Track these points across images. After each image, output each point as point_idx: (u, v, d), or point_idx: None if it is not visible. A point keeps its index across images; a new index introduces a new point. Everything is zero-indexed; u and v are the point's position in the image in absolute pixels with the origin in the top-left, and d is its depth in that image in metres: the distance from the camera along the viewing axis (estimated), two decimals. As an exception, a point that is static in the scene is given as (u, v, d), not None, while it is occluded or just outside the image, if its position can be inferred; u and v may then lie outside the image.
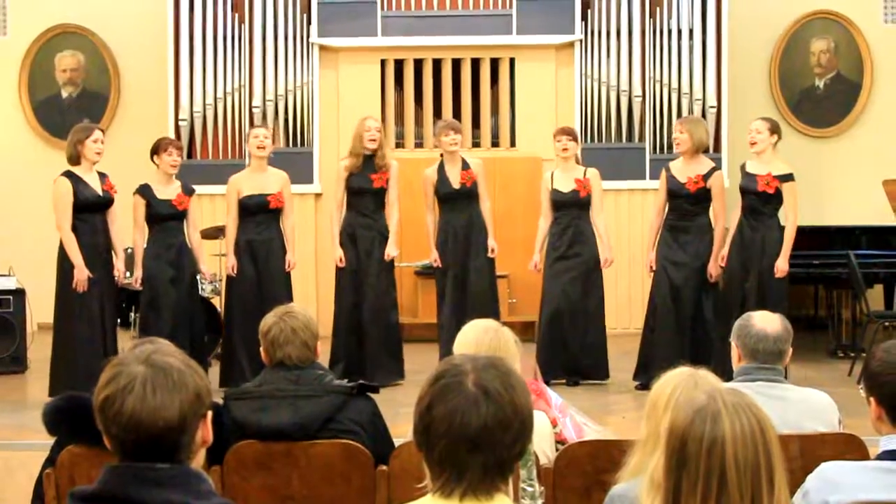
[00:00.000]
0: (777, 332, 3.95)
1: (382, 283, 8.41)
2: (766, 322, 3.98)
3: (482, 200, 8.62)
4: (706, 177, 8.09)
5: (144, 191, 8.12)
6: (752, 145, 7.94)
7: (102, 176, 7.91)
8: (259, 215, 8.27)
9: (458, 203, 8.59)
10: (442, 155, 8.71)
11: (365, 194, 8.37)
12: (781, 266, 7.85)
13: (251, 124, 10.72)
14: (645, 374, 7.97)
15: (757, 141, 7.89)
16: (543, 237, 8.54)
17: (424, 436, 2.09)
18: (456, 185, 8.56)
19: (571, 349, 8.34)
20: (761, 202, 7.91)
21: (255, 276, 8.23)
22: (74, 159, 7.78)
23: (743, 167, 8.07)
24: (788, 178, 7.89)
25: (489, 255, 8.58)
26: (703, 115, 10.76)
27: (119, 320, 8.85)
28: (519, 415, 2.08)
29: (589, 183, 8.39)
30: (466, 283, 8.59)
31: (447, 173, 8.59)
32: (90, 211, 7.77)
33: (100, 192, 7.80)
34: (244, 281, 8.23)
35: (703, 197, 8.12)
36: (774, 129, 7.95)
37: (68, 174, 7.76)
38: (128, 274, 8.29)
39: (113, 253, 7.90)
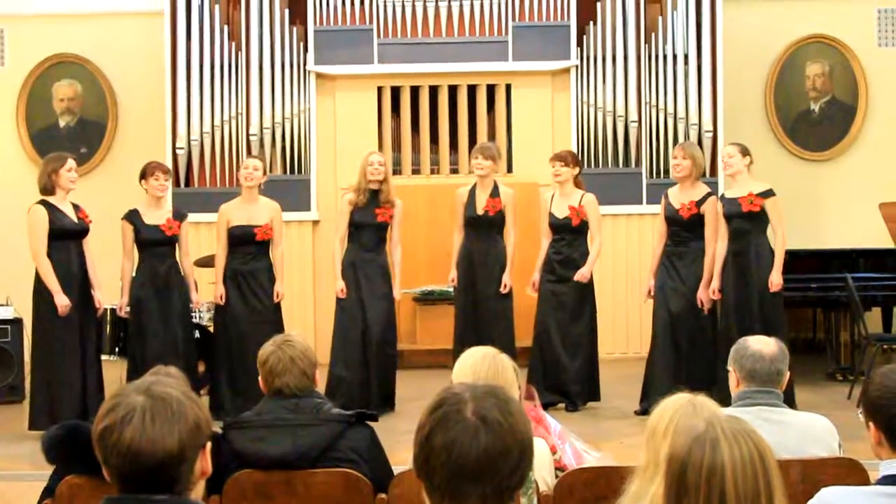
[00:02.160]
0: (773, 352, 3.96)
1: (384, 317, 8.37)
2: (762, 344, 3.99)
3: (507, 232, 8.53)
4: (699, 203, 8.11)
5: (132, 216, 8.06)
6: (726, 169, 8.01)
7: (76, 207, 7.85)
8: (246, 246, 8.23)
9: (478, 229, 8.55)
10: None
11: (367, 228, 8.32)
12: (776, 280, 7.82)
13: (248, 152, 10.75)
14: (645, 400, 7.98)
15: (730, 164, 7.96)
16: (544, 257, 8.52)
17: (424, 465, 2.08)
18: (479, 210, 8.54)
19: (555, 369, 8.32)
20: (748, 223, 7.92)
21: (241, 307, 8.19)
22: (49, 190, 7.68)
23: (722, 196, 8.11)
24: (769, 193, 7.92)
25: (501, 289, 8.48)
26: (700, 140, 10.81)
27: (118, 348, 8.84)
28: (519, 443, 2.08)
29: (583, 210, 8.39)
30: (476, 311, 8.54)
31: (476, 197, 8.56)
32: (65, 239, 7.70)
33: (75, 220, 7.74)
34: (230, 311, 8.20)
35: (697, 223, 8.13)
36: (745, 152, 7.99)
37: (43, 202, 7.70)
38: (114, 304, 8.26)
39: (90, 284, 7.80)
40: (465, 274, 8.55)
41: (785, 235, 7.95)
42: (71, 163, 7.79)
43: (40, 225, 7.63)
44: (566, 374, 8.33)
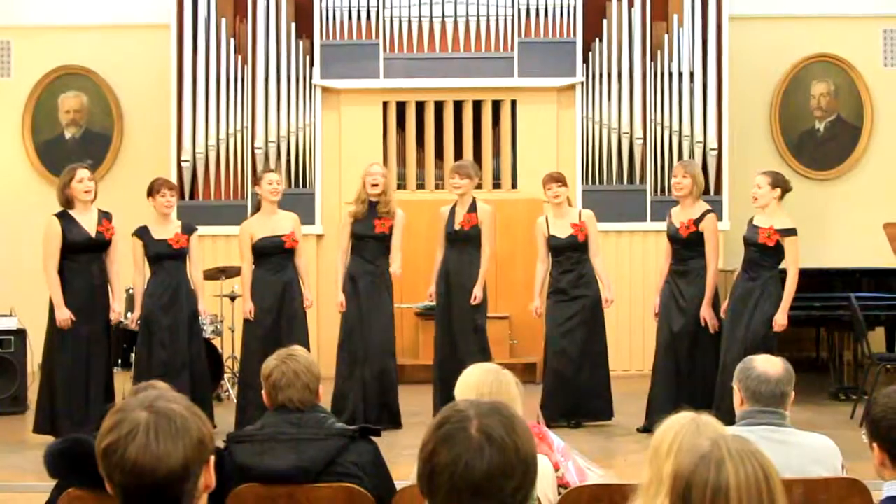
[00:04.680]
0: (779, 374, 3.94)
1: (382, 329, 8.38)
2: (768, 365, 3.97)
3: (483, 246, 8.55)
4: (697, 221, 8.11)
5: (141, 232, 8.13)
6: (754, 200, 7.93)
7: (104, 215, 7.86)
8: (275, 256, 8.26)
9: (456, 244, 8.59)
10: None
11: (367, 240, 8.39)
12: (780, 320, 7.75)
13: (253, 165, 10.77)
14: (647, 418, 7.98)
15: (757, 196, 7.90)
16: (542, 281, 8.54)
17: (428, 482, 2.08)
18: (456, 225, 8.58)
19: (577, 390, 8.33)
20: (761, 255, 7.88)
21: (275, 316, 8.19)
22: (71, 203, 7.74)
23: (750, 220, 8.05)
24: (790, 232, 7.83)
25: (472, 302, 8.47)
26: (704, 158, 10.82)
27: (121, 360, 8.85)
28: (522, 461, 2.08)
29: (585, 226, 8.41)
30: (449, 324, 8.57)
31: (455, 213, 8.61)
32: (82, 252, 7.73)
33: (92, 234, 7.75)
34: (264, 322, 8.19)
35: (695, 241, 8.13)
36: (776, 184, 7.88)
37: (61, 214, 7.73)
38: (128, 315, 8.27)
39: (110, 294, 7.86)
40: (444, 290, 8.59)
41: (797, 276, 7.81)
42: (81, 173, 7.80)
43: (53, 240, 7.68)
44: (587, 392, 8.33)
